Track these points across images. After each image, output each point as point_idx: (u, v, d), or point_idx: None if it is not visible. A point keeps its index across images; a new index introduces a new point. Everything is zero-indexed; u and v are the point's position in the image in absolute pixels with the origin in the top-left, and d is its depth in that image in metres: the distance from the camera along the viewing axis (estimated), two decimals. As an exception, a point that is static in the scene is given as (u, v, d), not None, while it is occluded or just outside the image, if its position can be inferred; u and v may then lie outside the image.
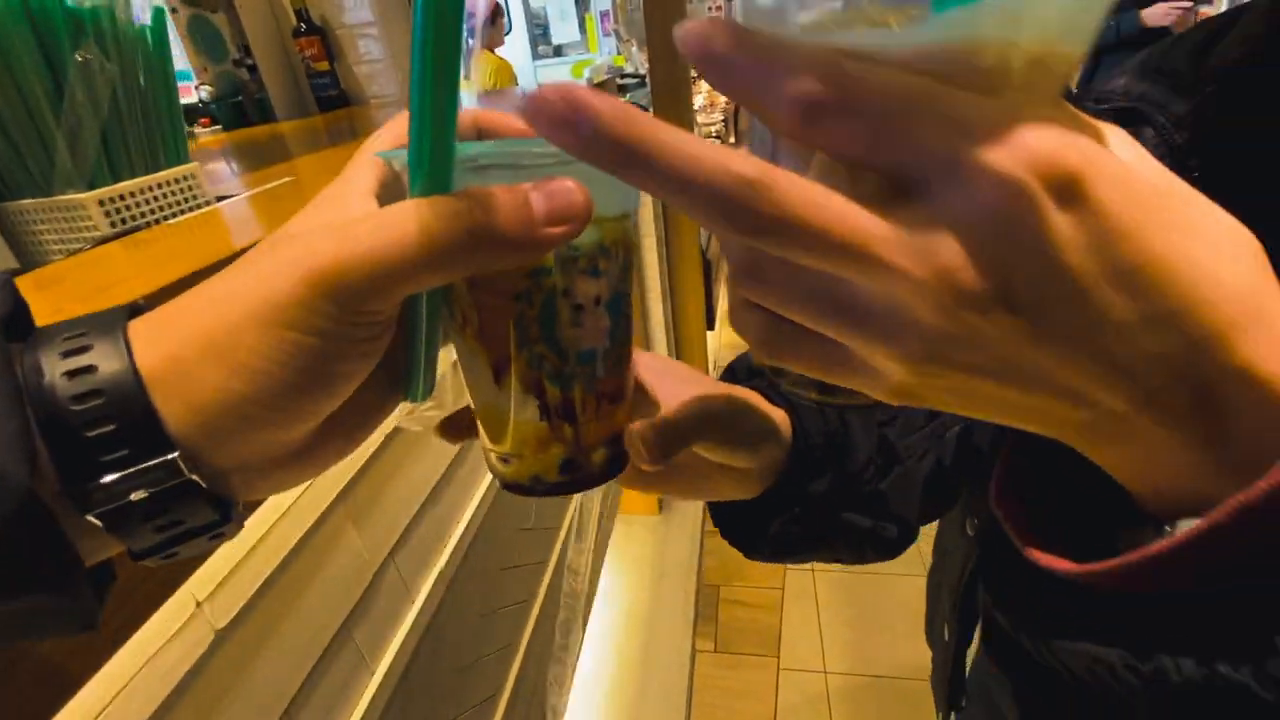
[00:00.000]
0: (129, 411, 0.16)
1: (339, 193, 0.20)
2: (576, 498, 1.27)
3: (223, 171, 1.03)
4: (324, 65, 1.39)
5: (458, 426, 0.27)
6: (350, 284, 0.17)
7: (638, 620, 1.54)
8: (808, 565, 1.63)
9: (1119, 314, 0.14)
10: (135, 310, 0.18)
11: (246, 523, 0.42)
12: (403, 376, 0.22)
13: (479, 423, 0.25)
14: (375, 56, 1.42)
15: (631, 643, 1.49)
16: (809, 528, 0.35)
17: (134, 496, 0.16)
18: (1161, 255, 0.14)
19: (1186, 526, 0.16)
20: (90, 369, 0.16)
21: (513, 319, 0.21)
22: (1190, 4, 2.09)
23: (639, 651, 1.46)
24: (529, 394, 0.23)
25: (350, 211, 0.19)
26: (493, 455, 0.25)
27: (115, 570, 0.19)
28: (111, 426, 0.16)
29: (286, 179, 0.67)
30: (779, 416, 0.34)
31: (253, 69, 1.34)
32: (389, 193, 0.20)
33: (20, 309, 0.18)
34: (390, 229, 0.17)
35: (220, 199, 0.56)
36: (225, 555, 0.43)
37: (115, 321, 0.17)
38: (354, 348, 0.18)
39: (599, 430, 0.24)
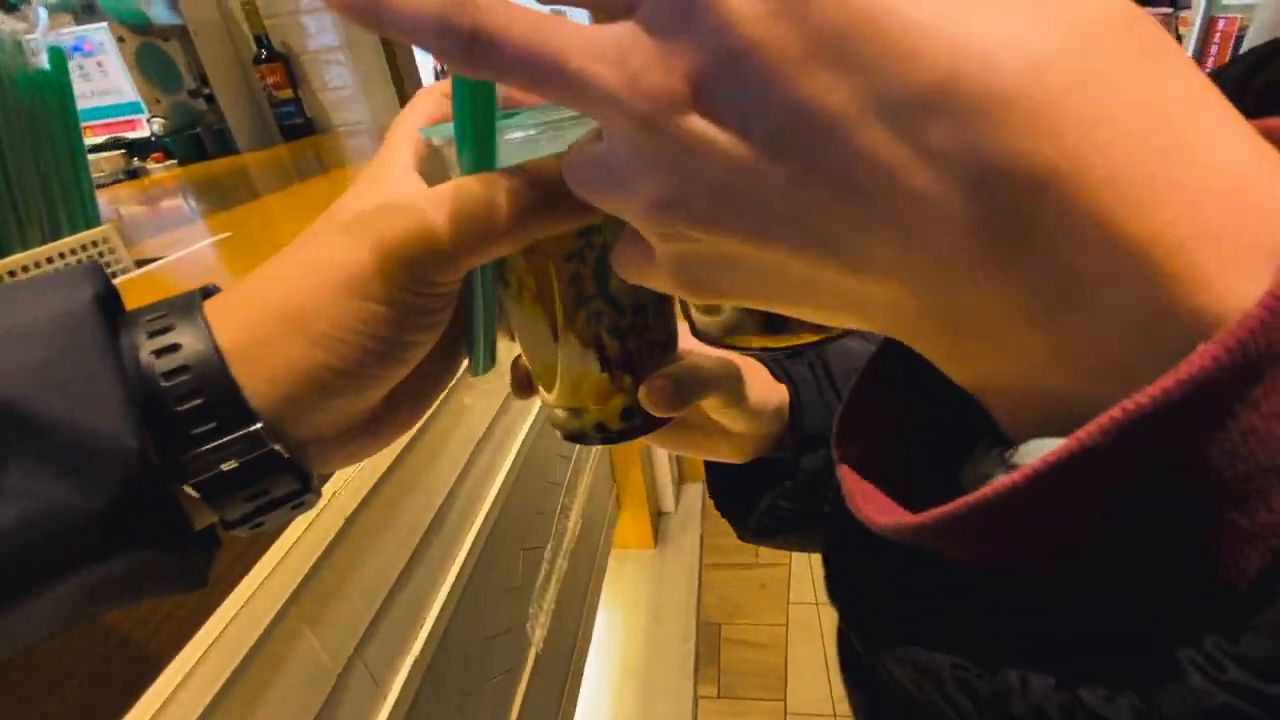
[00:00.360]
0: (213, 386, 0.17)
1: (384, 173, 0.21)
2: (571, 530, 1.20)
3: (180, 212, 0.95)
4: (287, 93, 1.32)
5: (527, 382, 0.27)
6: (424, 257, 0.18)
7: (634, 666, 1.46)
8: (812, 599, 1.56)
9: (839, 104, 0.10)
10: (207, 292, 0.19)
11: (170, 665, 0.35)
12: (467, 352, 0.24)
13: (539, 382, 0.26)
14: (342, 83, 1.36)
15: (629, 691, 1.41)
16: (799, 504, 0.35)
17: (224, 467, 0.17)
18: (883, 7, 0.10)
19: (1039, 450, 0.11)
20: (175, 347, 0.17)
21: (568, 279, 0.22)
22: (1170, 10, 2.08)
23: (638, 701, 1.39)
24: (589, 349, 0.24)
25: (398, 188, 0.20)
26: (557, 411, 0.26)
27: (220, 536, 0.20)
28: (199, 401, 0.17)
29: (225, 234, 0.59)
30: (781, 391, 0.34)
31: (210, 99, 1.27)
32: (428, 166, 0.21)
33: (110, 293, 0.18)
34: (461, 205, 0.18)
35: (142, 264, 0.49)
36: (138, 714, 0.35)
37: (192, 303, 0.18)
38: (425, 318, 0.19)
39: None
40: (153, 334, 0.17)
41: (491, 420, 0.87)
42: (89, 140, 1.20)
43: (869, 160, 0.10)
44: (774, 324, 0.22)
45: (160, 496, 0.17)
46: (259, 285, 0.19)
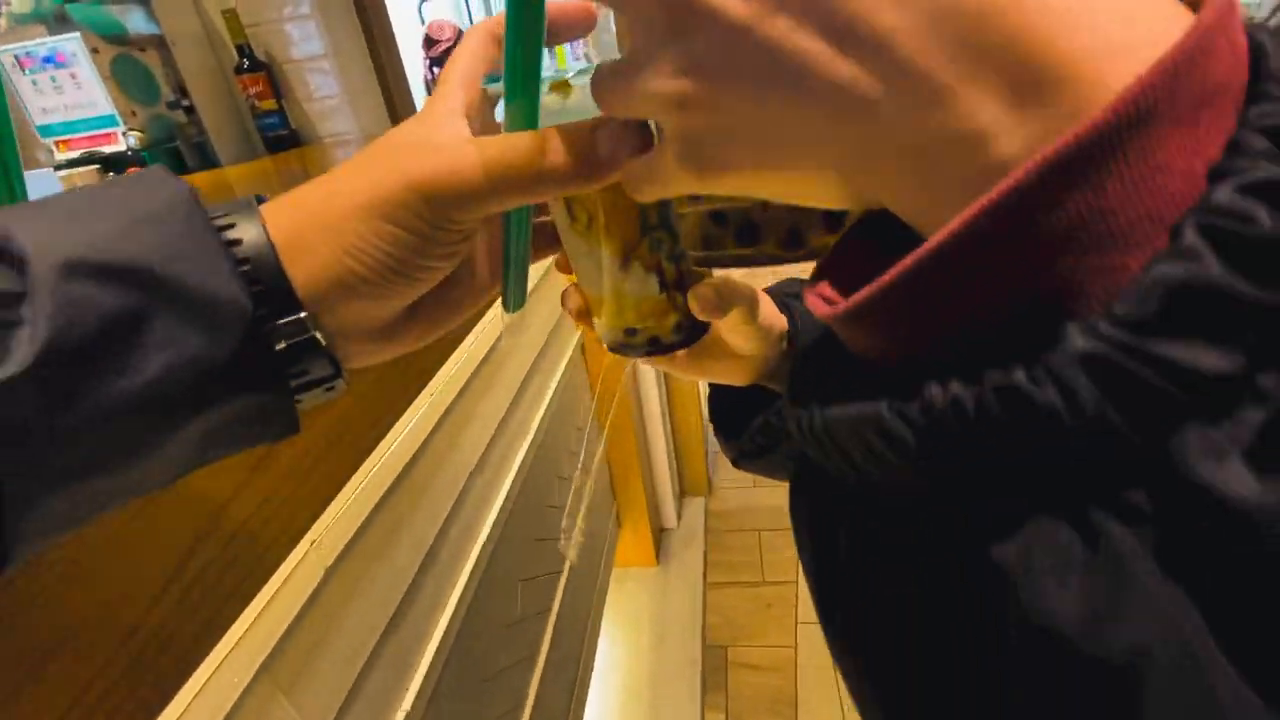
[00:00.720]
0: (267, 276, 0.20)
1: (432, 113, 0.23)
2: (567, 565, 1.15)
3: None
4: (270, 104, 1.27)
5: (585, 311, 0.31)
6: (442, 195, 0.21)
7: (639, 691, 1.41)
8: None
9: None
10: (259, 199, 0.22)
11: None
12: (502, 292, 0.26)
13: (597, 308, 0.29)
14: (328, 92, 1.31)
15: (635, 718, 1.36)
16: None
17: (277, 347, 0.20)
18: None
19: None
20: (239, 241, 0.20)
21: (636, 212, 0.25)
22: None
23: (643, 730, 1.33)
24: (651, 273, 0.27)
25: (439, 129, 0.22)
26: (615, 332, 0.30)
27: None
28: (259, 288, 0.20)
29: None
30: (784, 320, 0.37)
31: (190, 110, 1.22)
32: (477, 111, 0.24)
33: None
34: (483, 159, 0.21)
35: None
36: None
37: (250, 205, 0.21)
38: (440, 248, 0.22)
39: None
40: (220, 229, 0.20)
41: (485, 450, 0.82)
42: (63, 155, 1.15)
43: (852, 3, 0.13)
44: (746, 237, 0.27)
45: (267, 351, 0.20)
46: (304, 197, 0.22)
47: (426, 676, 0.63)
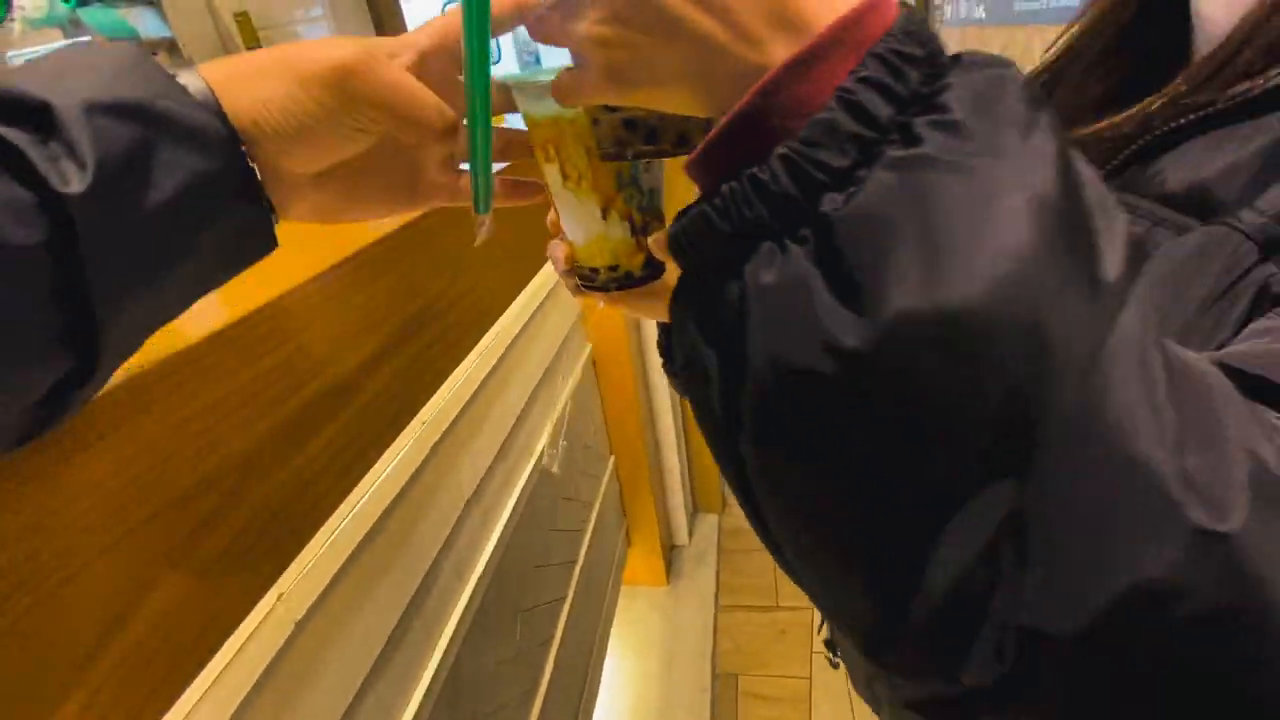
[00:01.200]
0: (219, 114, 0.25)
1: (395, 40, 0.30)
2: (572, 591, 1.11)
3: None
4: (282, 108, 1.25)
5: (569, 257, 0.39)
6: (355, 87, 0.27)
7: (646, 719, 1.36)
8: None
9: None
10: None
11: None
12: (472, 195, 0.33)
13: (582, 253, 0.38)
14: (340, 96, 1.29)
15: (640, 749, 1.31)
16: None
17: (251, 165, 0.26)
18: None
19: None
20: (187, 87, 0.24)
21: (614, 172, 0.34)
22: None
23: (648, 761, 1.28)
24: (625, 221, 0.36)
25: (388, 49, 0.29)
26: (601, 270, 0.38)
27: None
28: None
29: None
30: None
31: (201, 115, 1.20)
32: (436, 54, 0.30)
33: None
34: (396, 82, 0.28)
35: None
36: None
37: (190, 65, 0.26)
38: (335, 127, 0.27)
39: None
40: (170, 78, 0.24)
41: (482, 478, 0.78)
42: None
43: None
44: (650, 139, 0.32)
45: (245, 169, 0.25)
46: (245, 55, 0.27)
47: (415, 717, 0.59)
